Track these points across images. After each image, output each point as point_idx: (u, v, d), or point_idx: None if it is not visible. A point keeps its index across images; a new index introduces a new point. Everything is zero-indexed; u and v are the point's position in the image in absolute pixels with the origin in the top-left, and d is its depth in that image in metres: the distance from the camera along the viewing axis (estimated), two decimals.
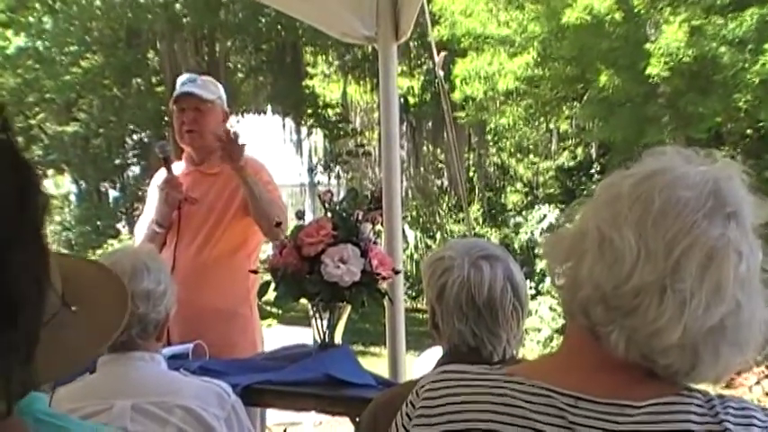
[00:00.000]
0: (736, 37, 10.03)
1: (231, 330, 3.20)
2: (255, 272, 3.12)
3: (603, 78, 10.95)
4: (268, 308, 8.16)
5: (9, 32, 14.63)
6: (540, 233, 13.13)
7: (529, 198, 15.74)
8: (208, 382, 2.09)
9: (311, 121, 17.44)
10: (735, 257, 0.94)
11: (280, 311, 9.30)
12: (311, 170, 18.16)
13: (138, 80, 15.96)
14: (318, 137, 18.15)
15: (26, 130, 15.30)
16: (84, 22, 14.89)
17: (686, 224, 0.94)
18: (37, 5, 14.78)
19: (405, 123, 15.69)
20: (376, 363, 7.45)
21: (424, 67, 15.51)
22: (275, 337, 5.39)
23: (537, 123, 14.67)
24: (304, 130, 17.86)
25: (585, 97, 12.23)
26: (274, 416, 4.68)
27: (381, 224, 2.96)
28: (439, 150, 17.25)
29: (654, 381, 0.98)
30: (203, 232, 3.27)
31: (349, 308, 2.64)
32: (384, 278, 2.64)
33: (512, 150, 16.52)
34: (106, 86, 15.66)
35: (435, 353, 2.03)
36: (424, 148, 17.44)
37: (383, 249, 2.88)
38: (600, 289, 0.97)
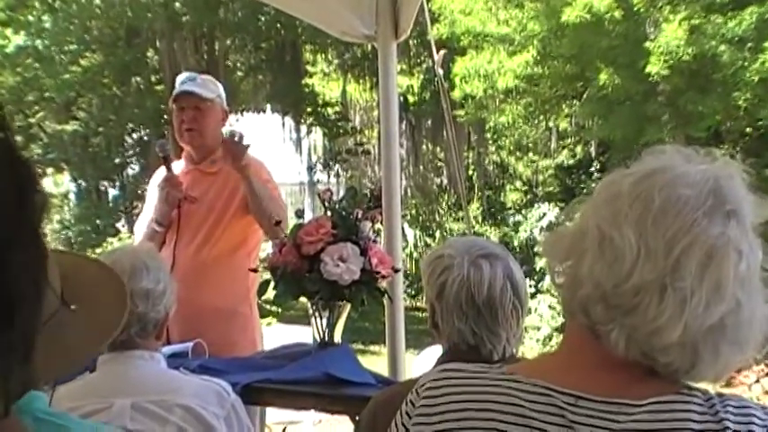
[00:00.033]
0: (736, 35, 10.03)
1: (231, 329, 3.20)
2: (255, 270, 3.12)
3: (603, 77, 10.94)
4: (268, 306, 8.17)
5: (8, 31, 14.62)
6: (540, 231, 13.12)
7: (528, 196, 15.73)
8: (207, 380, 2.09)
9: (311, 119, 17.44)
10: (735, 256, 0.94)
11: (279, 310, 9.30)
12: (311, 169, 18.17)
13: (138, 79, 15.95)
14: (318, 135, 18.16)
15: (25, 128, 15.30)
16: (84, 21, 14.89)
17: (686, 222, 0.94)
18: (36, 4, 14.77)
19: (404, 122, 15.68)
20: (375, 361, 7.45)
21: (424, 66, 15.51)
22: (275, 335, 5.38)
23: (536, 122, 14.66)
24: (303, 128, 17.87)
25: (585, 95, 12.23)
26: (274, 414, 4.68)
27: (381, 223, 2.96)
28: (438, 149, 17.25)
29: (654, 379, 0.98)
30: (203, 231, 3.27)
31: (348, 306, 2.64)
32: (383, 277, 2.64)
33: (511, 149, 16.51)
34: (106, 85, 15.65)
35: (435, 351, 2.03)
36: (424, 146, 17.44)
37: (382, 248, 2.88)
38: (600, 287, 0.97)
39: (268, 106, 17.19)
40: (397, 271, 2.88)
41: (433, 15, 10.21)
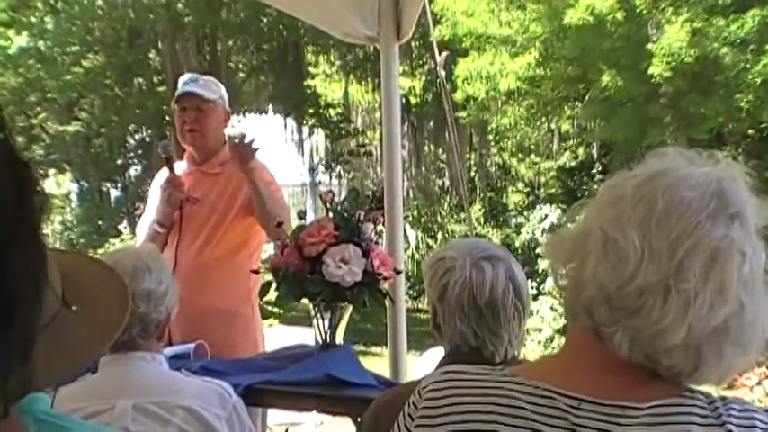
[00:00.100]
0: (738, 38, 10.03)
1: (233, 330, 3.20)
2: (257, 272, 3.12)
3: (605, 78, 10.95)
4: (269, 308, 8.16)
5: (11, 32, 14.64)
6: (542, 233, 13.11)
7: (530, 198, 15.74)
8: (209, 382, 2.08)
9: (313, 120, 17.44)
10: (738, 258, 0.93)
11: (281, 311, 9.29)
12: (312, 170, 18.17)
13: (140, 80, 15.97)
14: (320, 137, 18.16)
15: (28, 129, 15.31)
16: (86, 22, 14.90)
17: (690, 225, 0.94)
18: (39, 5, 14.80)
19: (406, 123, 15.69)
20: (377, 363, 7.44)
21: (426, 67, 15.51)
22: (276, 336, 5.38)
23: (538, 123, 14.67)
24: (305, 129, 17.87)
25: (587, 97, 12.23)
26: (275, 416, 4.68)
27: (383, 224, 2.96)
28: (440, 150, 17.25)
29: (657, 382, 0.98)
30: (205, 232, 3.27)
31: (350, 308, 2.64)
32: (385, 278, 2.64)
33: (513, 150, 16.52)
34: (108, 86, 15.66)
35: (437, 353, 2.03)
36: (426, 148, 17.44)
37: (384, 249, 2.87)
38: (604, 289, 0.97)
39: (270, 107, 17.20)
40: (398, 272, 2.88)
41: (435, 17, 10.22)
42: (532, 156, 16.29)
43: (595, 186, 11.72)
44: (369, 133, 17.50)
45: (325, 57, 17.02)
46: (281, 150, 16.57)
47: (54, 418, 0.88)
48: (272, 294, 2.66)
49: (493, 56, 11.97)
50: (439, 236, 16.08)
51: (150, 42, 15.72)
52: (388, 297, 2.72)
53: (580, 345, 1.03)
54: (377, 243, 2.68)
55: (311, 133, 18.06)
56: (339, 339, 2.67)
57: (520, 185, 16.46)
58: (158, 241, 3.24)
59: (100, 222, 15.73)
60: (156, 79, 16.16)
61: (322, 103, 17.25)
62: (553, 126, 15.06)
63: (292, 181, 16.98)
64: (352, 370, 2.55)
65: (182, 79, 3.43)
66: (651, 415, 0.95)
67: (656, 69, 10.29)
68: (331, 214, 2.67)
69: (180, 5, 14.87)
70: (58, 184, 16.50)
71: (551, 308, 11.66)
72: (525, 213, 14.89)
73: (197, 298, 2.99)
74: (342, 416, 2.65)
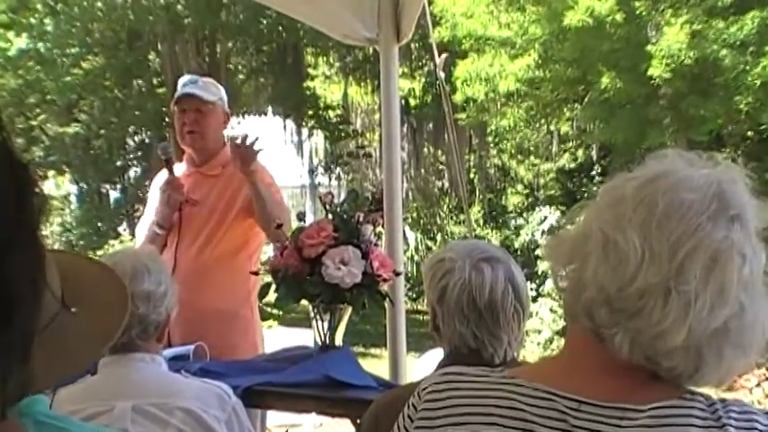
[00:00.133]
0: (738, 39, 10.04)
1: (232, 332, 3.20)
2: (256, 273, 3.12)
3: (605, 80, 10.95)
4: (269, 309, 8.17)
5: (10, 34, 14.66)
6: (541, 235, 13.11)
7: (529, 200, 15.74)
8: (208, 383, 2.08)
9: (312, 122, 17.45)
10: (738, 260, 0.93)
11: (280, 313, 9.30)
12: (312, 171, 18.17)
13: (140, 81, 15.98)
14: (319, 138, 18.16)
15: (27, 131, 15.32)
16: (86, 24, 14.91)
17: (690, 226, 0.94)
18: (38, 7, 14.81)
19: (405, 125, 15.69)
20: (376, 364, 7.44)
21: (425, 69, 15.52)
22: (276, 338, 5.38)
23: (538, 125, 14.67)
24: (305, 131, 17.87)
25: (586, 99, 12.24)
26: (275, 417, 4.68)
27: (382, 226, 2.96)
28: (440, 152, 17.26)
29: (657, 384, 0.98)
30: (204, 234, 3.27)
31: (350, 309, 2.64)
32: (385, 280, 2.64)
33: (512, 152, 16.53)
34: (107, 88, 15.67)
35: (436, 354, 2.03)
36: (425, 149, 17.45)
37: (384, 251, 2.87)
38: (604, 291, 0.97)
39: (269, 109, 17.20)
40: (398, 274, 2.88)
41: (434, 18, 10.21)
42: (532, 157, 16.30)
43: (595, 188, 11.72)
44: (368, 135, 17.51)
45: (325, 58, 17.03)
46: (280, 152, 16.57)
47: (53, 420, 0.88)
48: (272, 296, 2.66)
49: (492, 57, 11.97)
50: (438, 237, 16.09)
51: (150, 44, 15.73)
52: (387, 299, 2.72)
53: (580, 347, 1.03)
54: (376, 245, 2.68)
55: (310, 135, 18.06)
56: (338, 341, 2.67)
57: (519, 187, 16.46)
58: (158, 243, 3.24)
59: (99, 224, 15.73)
60: (155, 81, 16.17)
61: (321, 104, 17.26)
62: (552, 128, 15.07)
63: (291, 182, 16.97)
64: (351, 371, 2.55)
65: (181, 81, 3.43)
66: (651, 417, 0.95)
67: (656, 71, 10.29)
68: (330, 216, 2.67)
69: (179, 7, 14.88)
70: (58, 186, 16.51)
71: (551, 309, 11.66)
72: (524, 215, 14.90)
73: (196, 299, 2.99)
74: (341, 417, 2.66)
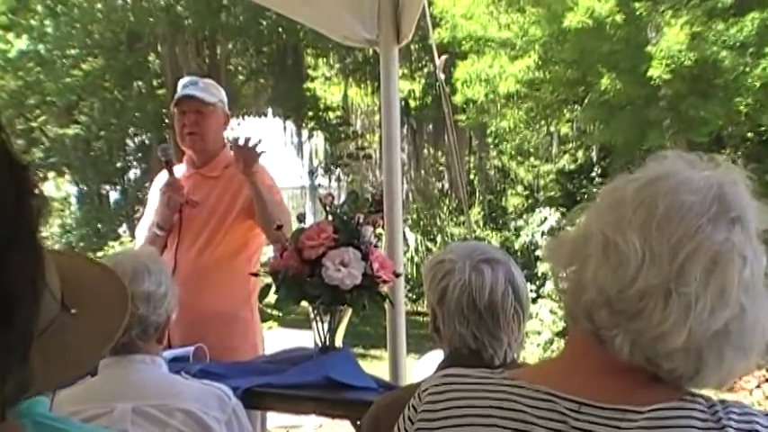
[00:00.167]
0: (738, 41, 10.04)
1: (232, 333, 3.20)
2: (256, 275, 3.12)
3: (605, 81, 10.94)
4: (269, 311, 8.15)
5: (11, 35, 14.65)
6: (541, 236, 13.11)
7: (529, 201, 15.72)
8: (208, 385, 2.08)
9: (312, 123, 17.46)
10: (739, 262, 0.93)
11: (280, 314, 9.28)
12: (312, 173, 18.17)
13: (139, 83, 15.98)
14: (319, 139, 18.17)
15: (27, 132, 15.32)
16: (86, 25, 14.92)
17: (691, 228, 0.94)
18: (38, 8, 14.81)
19: (405, 126, 15.70)
20: (377, 366, 7.44)
21: (425, 70, 15.52)
22: (276, 339, 5.39)
23: (538, 126, 14.67)
24: (305, 132, 17.88)
25: (586, 100, 12.23)
26: (275, 419, 4.68)
27: (382, 227, 2.96)
28: (440, 153, 17.26)
29: (657, 385, 0.98)
30: (204, 235, 3.27)
31: (350, 311, 2.64)
32: (385, 281, 2.64)
33: (512, 153, 16.52)
34: (107, 89, 15.68)
35: (436, 356, 2.03)
36: (425, 150, 17.45)
37: (384, 252, 2.87)
38: (604, 292, 0.97)
39: (269, 110, 17.22)
40: (398, 275, 2.88)
41: (434, 20, 10.20)
42: (532, 159, 16.29)
43: (595, 189, 11.73)
44: (368, 136, 17.52)
45: (325, 60, 17.03)
46: (280, 153, 16.58)
47: (53, 422, 0.88)
48: (272, 297, 2.66)
49: (492, 59, 11.97)
50: (438, 239, 16.07)
51: (150, 45, 15.74)
52: (387, 300, 2.72)
53: (580, 348, 1.03)
54: (376, 246, 2.68)
55: (310, 136, 18.07)
56: (338, 342, 2.67)
57: (519, 188, 16.44)
58: (158, 244, 3.23)
59: (99, 225, 15.73)
60: (155, 82, 16.18)
61: (321, 105, 17.27)
62: (552, 129, 15.06)
63: (291, 184, 16.98)
64: (351, 373, 2.55)
65: (181, 82, 3.43)
66: (651, 419, 0.95)
67: (656, 72, 10.29)
68: (330, 217, 2.67)
69: (179, 8, 14.88)
70: (58, 187, 16.51)
71: (551, 311, 11.65)
72: (524, 216, 14.89)
73: (196, 301, 2.99)
74: (341, 419, 2.66)
